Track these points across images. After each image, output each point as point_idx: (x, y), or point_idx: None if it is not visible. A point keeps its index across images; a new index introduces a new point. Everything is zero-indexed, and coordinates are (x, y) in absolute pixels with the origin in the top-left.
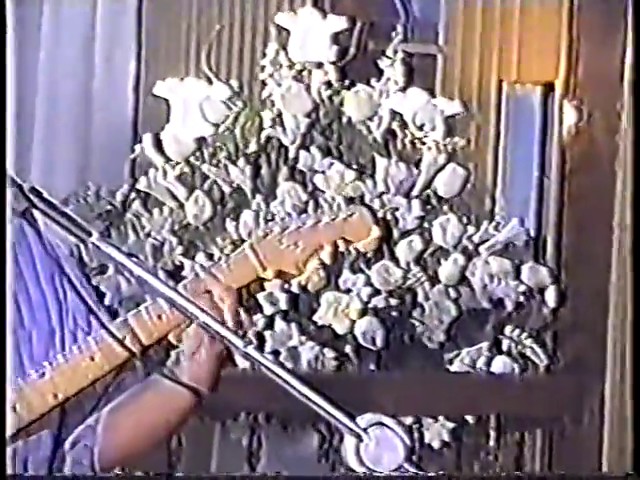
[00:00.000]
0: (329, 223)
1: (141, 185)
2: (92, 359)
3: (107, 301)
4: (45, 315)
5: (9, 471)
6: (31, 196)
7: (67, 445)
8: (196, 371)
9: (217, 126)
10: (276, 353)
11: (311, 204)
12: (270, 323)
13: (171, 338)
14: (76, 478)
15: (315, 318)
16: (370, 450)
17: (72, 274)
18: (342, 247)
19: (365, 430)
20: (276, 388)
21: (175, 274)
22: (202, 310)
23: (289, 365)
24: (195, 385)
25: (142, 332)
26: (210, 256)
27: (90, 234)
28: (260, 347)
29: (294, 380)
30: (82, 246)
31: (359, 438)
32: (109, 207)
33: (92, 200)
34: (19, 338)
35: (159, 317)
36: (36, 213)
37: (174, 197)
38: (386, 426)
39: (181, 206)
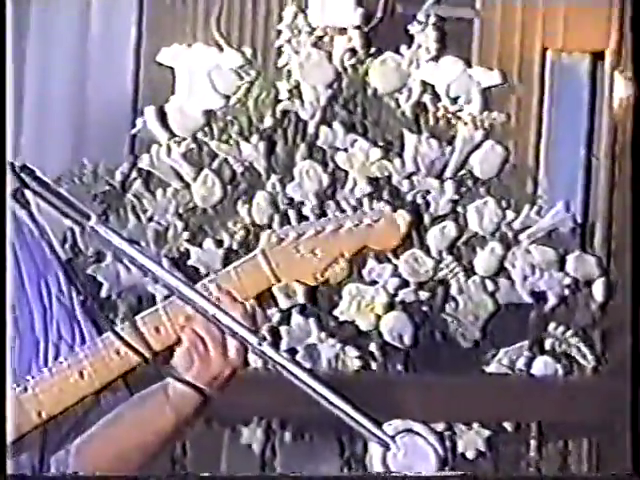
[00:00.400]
0: (352, 229)
1: (143, 163)
2: (81, 375)
3: (104, 292)
4: (28, 322)
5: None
6: (22, 175)
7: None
8: (203, 370)
9: (228, 98)
10: (293, 351)
11: (331, 188)
12: (286, 318)
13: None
14: (76, 478)
15: (336, 313)
16: (398, 460)
17: (58, 275)
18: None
19: (393, 438)
20: (292, 390)
21: (180, 262)
22: (211, 303)
23: (307, 365)
24: (201, 385)
25: (152, 337)
26: (219, 243)
27: (88, 217)
28: (275, 344)
29: (313, 381)
30: (77, 231)
31: (386, 447)
32: (107, 187)
33: (88, 180)
34: None
35: (169, 320)
36: (28, 194)
37: (179, 177)
38: (416, 433)
39: (187, 187)
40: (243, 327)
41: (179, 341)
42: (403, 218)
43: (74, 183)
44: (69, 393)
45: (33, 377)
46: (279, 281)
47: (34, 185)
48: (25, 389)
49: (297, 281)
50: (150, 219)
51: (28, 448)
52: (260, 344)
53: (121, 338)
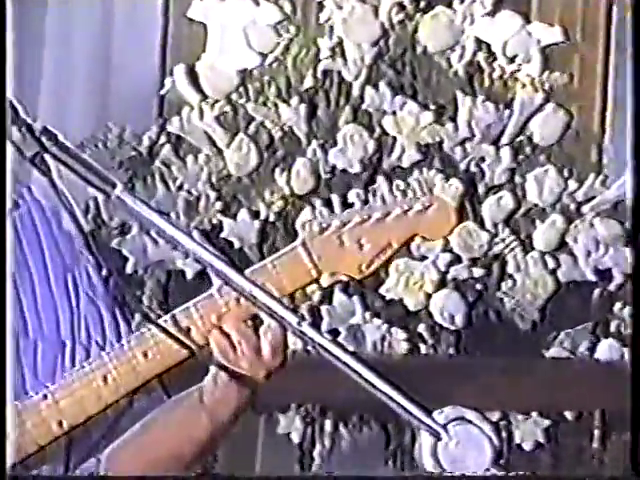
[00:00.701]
0: (400, 216)
1: (172, 127)
2: (105, 380)
3: (129, 268)
4: (54, 323)
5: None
6: (43, 138)
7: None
8: (254, 359)
9: (264, 56)
10: (335, 332)
11: (377, 155)
12: (328, 296)
13: (232, 333)
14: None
15: (382, 291)
16: (450, 451)
17: (88, 269)
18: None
19: (444, 427)
20: (334, 375)
21: (212, 235)
22: (247, 278)
23: (350, 347)
24: (256, 373)
25: (197, 331)
26: (255, 214)
27: (114, 185)
28: (316, 324)
29: (356, 365)
30: (101, 201)
31: (437, 436)
32: (133, 153)
33: (113, 145)
34: (21, 349)
35: (201, 319)
36: (48, 159)
37: (212, 142)
38: (469, 422)
39: (220, 153)
40: (281, 305)
41: (207, 344)
42: (454, 199)
43: (98, 149)
44: (92, 401)
45: (52, 383)
46: (320, 274)
47: (55, 150)
48: (45, 396)
49: (341, 274)
50: (180, 188)
51: (50, 460)
52: (299, 324)
53: (164, 330)
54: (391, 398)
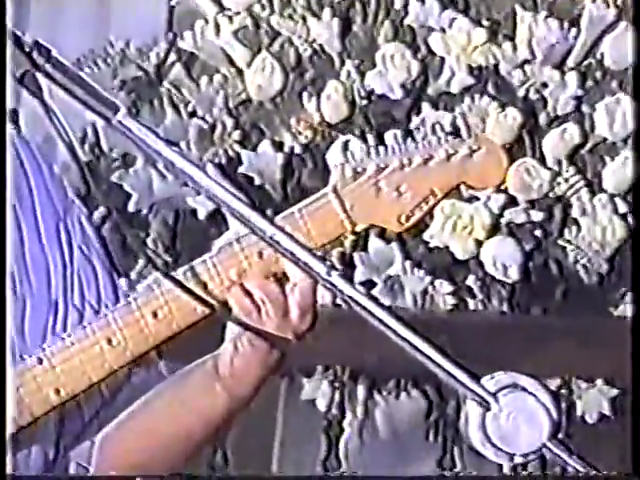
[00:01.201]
0: (445, 161)
1: (184, 43)
2: (109, 342)
3: (132, 206)
4: (45, 279)
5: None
6: (34, 54)
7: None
8: (281, 321)
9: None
10: (370, 284)
11: (422, 78)
12: (362, 242)
13: (255, 291)
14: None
15: (425, 237)
16: (501, 423)
17: (82, 220)
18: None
19: (494, 395)
20: (367, 333)
21: (229, 169)
22: (268, 220)
23: (387, 301)
24: (283, 335)
25: (214, 288)
26: (279, 145)
27: (116, 109)
28: (347, 275)
29: (394, 322)
30: (100, 127)
31: (485, 406)
32: (139, 73)
33: (115, 63)
34: (8, 307)
35: (218, 275)
36: (40, 78)
37: (230, 61)
38: (523, 390)
39: (240, 74)
40: (307, 252)
41: (226, 304)
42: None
43: (97, 67)
44: (95, 366)
45: (49, 346)
46: (354, 226)
47: (48, 67)
48: (40, 361)
49: (378, 227)
50: (192, 114)
51: (41, 440)
52: (329, 274)
53: (178, 283)
54: (433, 361)
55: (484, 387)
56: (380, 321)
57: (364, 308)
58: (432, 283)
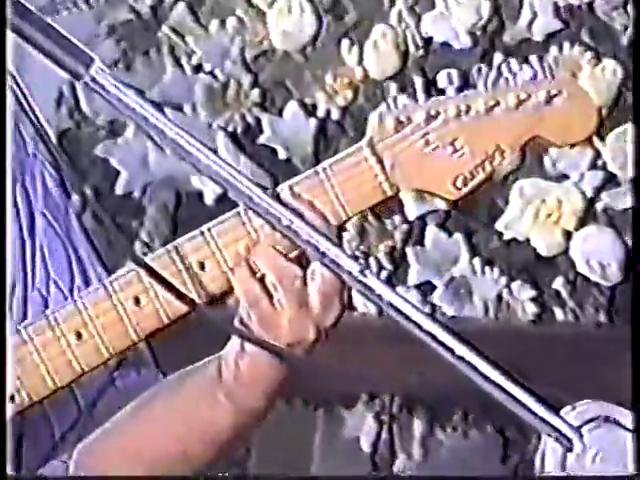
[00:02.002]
0: (514, 108)
1: None
2: (79, 337)
3: (121, 187)
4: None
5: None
6: None
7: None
8: (268, 334)
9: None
10: (427, 288)
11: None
12: (416, 232)
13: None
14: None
15: (499, 226)
16: (585, 465)
17: (46, 181)
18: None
19: (578, 430)
20: (423, 352)
21: (245, 139)
22: (286, 206)
23: (450, 310)
24: (287, 347)
25: (213, 268)
26: (311, 109)
27: (88, 63)
28: (390, 278)
29: (451, 339)
30: (80, 89)
31: (567, 445)
32: (130, 16)
33: (100, 3)
34: None
35: (218, 250)
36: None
37: (248, 1)
38: (616, 424)
39: (260, 15)
40: (336, 246)
41: (231, 288)
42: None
43: (77, 8)
44: (60, 366)
45: (27, 327)
46: (397, 192)
47: (12, 16)
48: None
49: (427, 193)
50: (198, 69)
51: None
52: (362, 273)
53: (151, 272)
54: (500, 387)
55: (565, 420)
56: (433, 337)
57: (410, 320)
58: (508, 286)
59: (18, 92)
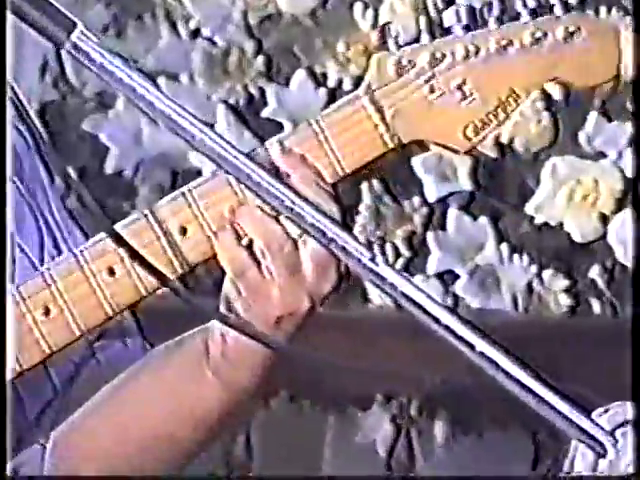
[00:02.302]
0: (529, 47)
1: None
2: (47, 312)
3: (111, 165)
4: None
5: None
6: None
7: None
8: (257, 306)
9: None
10: (449, 276)
11: None
12: (438, 214)
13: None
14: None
15: (528, 209)
16: (619, 470)
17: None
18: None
19: (612, 434)
20: (444, 348)
21: (248, 112)
22: (283, 183)
23: (475, 301)
24: (270, 333)
25: (196, 232)
26: (321, 80)
27: (71, 28)
28: (407, 266)
29: (473, 334)
30: (66, 58)
31: (599, 450)
32: None
33: None
34: None
35: (200, 213)
36: None
37: None
38: None
39: None
40: (341, 228)
41: (214, 255)
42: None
43: None
44: (25, 346)
45: None
46: (399, 144)
47: None
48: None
49: (433, 144)
50: (195, 33)
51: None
52: (373, 261)
53: (121, 242)
54: (527, 387)
55: (596, 423)
56: (454, 333)
57: (428, 313)
58: (539, 275)
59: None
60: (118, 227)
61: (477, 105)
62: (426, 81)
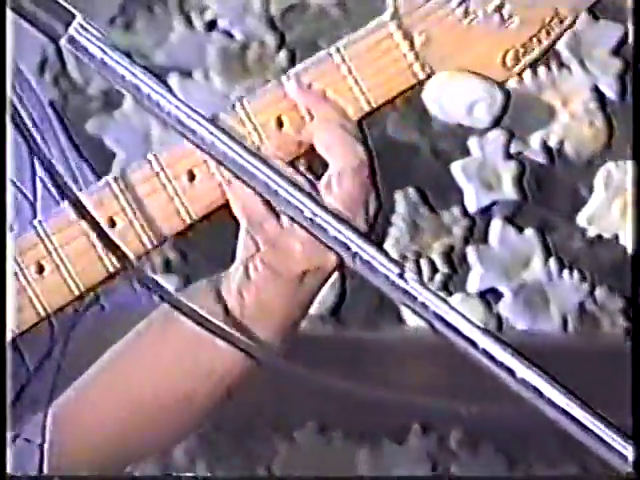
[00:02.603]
0: None
1: None
2: (41, 270)
3: (117, 169)
4: None
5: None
6: None
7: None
8: (276, 260)
9: None
10: (492, 296)
11: None
12: (481, 230)
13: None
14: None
15: (580, 219)
16: None
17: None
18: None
19: None
20: (476, 372)
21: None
22: (302, 191)
23: (521, 322)
24: (294, 291)
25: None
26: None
27: (69, 20)
28: (445, 283)
29: (515, 359)
30: (67, 54)
31: None
32: None
33: None
34: None
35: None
36: None
37: None
38: None
39: None
40: (365, 240)
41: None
42: None
43: None
44: (20, 307)
45: None
46: (430, 74)
47: None
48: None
49: (468, 73)
50: (212, 25)
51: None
52: (401, 277)
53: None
54: (578, 421)
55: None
56: (494, 359)
57: (464, 336)
58: (592, 294)
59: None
60: (121, 173)
61: (517, 29)
62: (459, 4)
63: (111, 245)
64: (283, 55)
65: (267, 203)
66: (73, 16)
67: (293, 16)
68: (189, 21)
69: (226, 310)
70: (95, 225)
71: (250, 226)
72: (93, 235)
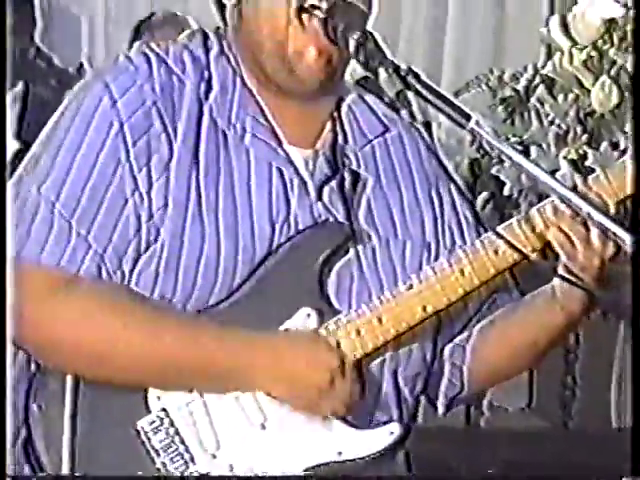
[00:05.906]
0: None
1: (546, 70)
2: (462, 273)
3: (506, 191)
4: (419, 226)
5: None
6: (408, 77)
7: (446, 353)
8: (571, 264)
9: (627, 7)
10: None
11: None
12: None
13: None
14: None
15: None
16: None
17: (451, 183)
18: None
19: None
20: None
21: (578, 163)
22: (587, 201)
23: None
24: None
25: (529, 237)
26: (615, 145)
27: (468, 118)
28: None
29: None
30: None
31: None
32: (512, 93)
33: (494, 85)
34: (392, 248)
35: (542, 221)
36: (410, 96)
37: (580, 83)
38: None
39: (587, 92)
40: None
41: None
42: None
43: (481, 88)
44: (451, 290)
45: (418, 276)
46: None
47: (419, 87)
48: (410, 287)
49: None
50: (551, 123)
51: (420, 338)
52: None
53: (503, 238)
54: None
55: None
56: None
57: None
58: None
59: (424, 138)
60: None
61: None
62: None
63: (514, 247)
64: (585, 137)
65: (567, 238)
66: (469, 116)
67: (590, 117)
68: (540, 121)
69: (554, 294)
70: (504, 239)
71: (563, 250)
72: (487, 257)
